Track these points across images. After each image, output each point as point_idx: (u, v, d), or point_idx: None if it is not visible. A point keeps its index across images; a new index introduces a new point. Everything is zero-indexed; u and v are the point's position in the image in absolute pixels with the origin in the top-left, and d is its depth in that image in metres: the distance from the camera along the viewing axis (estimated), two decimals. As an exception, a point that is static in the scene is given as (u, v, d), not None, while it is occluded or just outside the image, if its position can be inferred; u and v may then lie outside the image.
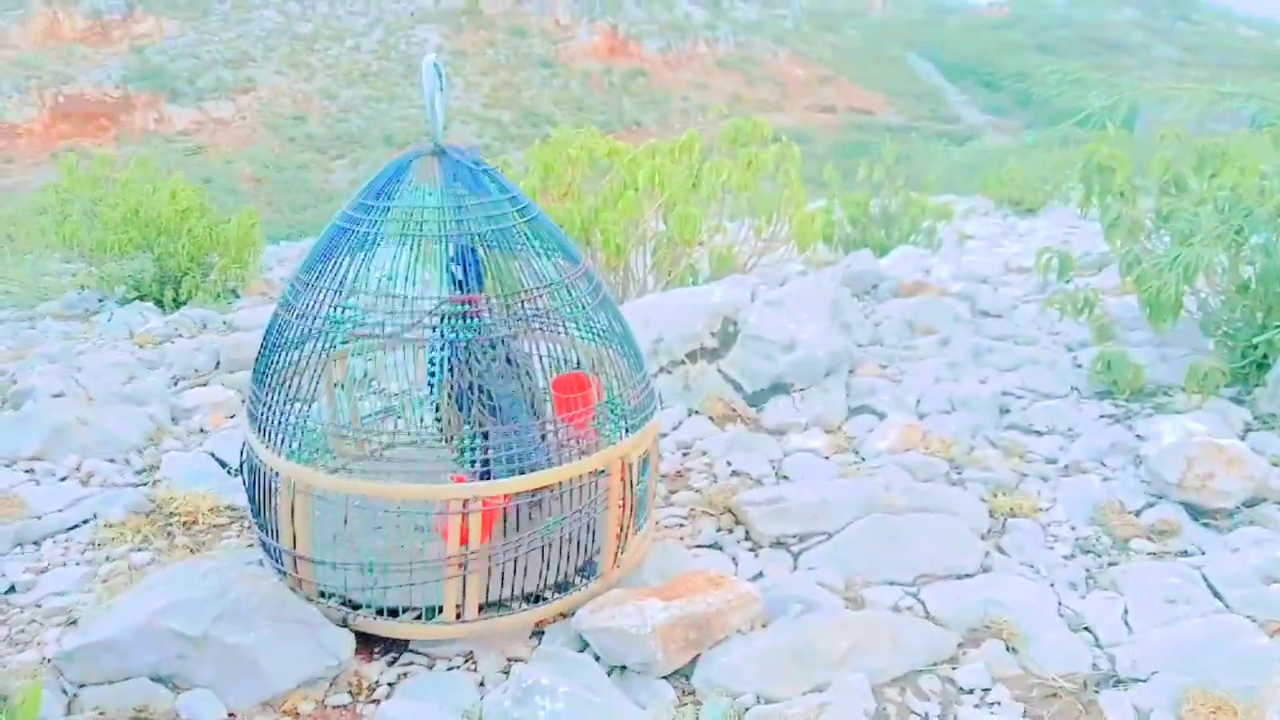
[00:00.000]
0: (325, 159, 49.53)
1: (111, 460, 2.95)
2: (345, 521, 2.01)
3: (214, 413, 3.35)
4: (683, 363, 3.17)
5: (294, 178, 46.25)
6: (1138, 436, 3.07)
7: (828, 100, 61.62)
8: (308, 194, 44.12)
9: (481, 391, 1.87)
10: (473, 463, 1.88)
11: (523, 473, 1.85)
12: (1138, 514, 2.58)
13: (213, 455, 2.87)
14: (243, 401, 3.62)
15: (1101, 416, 3.32)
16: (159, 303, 6.94)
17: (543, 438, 1.92)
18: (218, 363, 3.98)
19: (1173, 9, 69.75)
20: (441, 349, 2.02)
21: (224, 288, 7.23)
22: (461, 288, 1.89)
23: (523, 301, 1.93)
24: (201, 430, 3.27)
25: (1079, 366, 3.77)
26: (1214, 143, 3.72)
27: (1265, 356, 3.46)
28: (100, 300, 7.03)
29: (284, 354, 1.93)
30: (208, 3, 59.29)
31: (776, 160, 3.86)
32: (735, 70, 63.21)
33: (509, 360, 1.94)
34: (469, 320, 1.88)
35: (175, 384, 3.82)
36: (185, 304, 6.81)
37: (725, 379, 3.14)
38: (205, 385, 3.74)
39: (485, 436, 1.87)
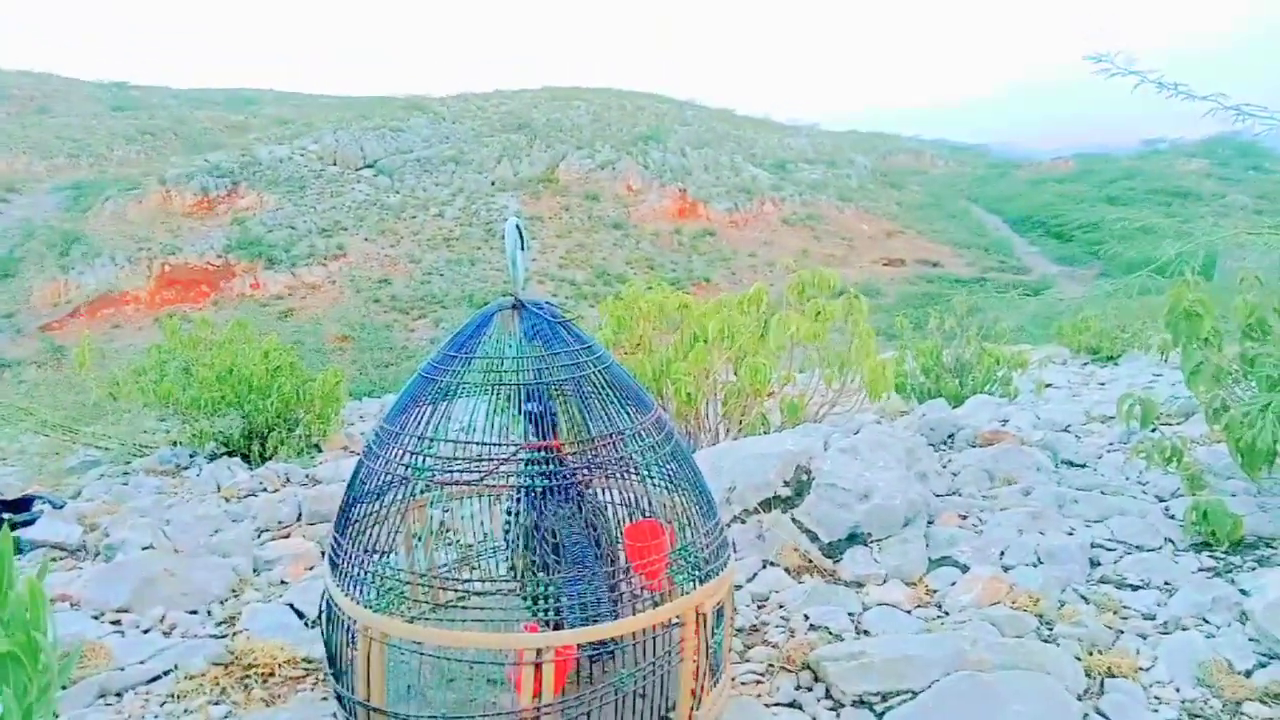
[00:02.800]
0: (408, 319, 51.66)
1: (194, 612, 3.01)
2: (419, 675, 2.00)
3: (294, 564, 3.42)
4: (756, 512, 3.14)
5: (377, 337, 48.20)
6: (1241, 591, 2.90)
7: (895, 253, 62.47)
8: (390, 352, 45.85)
9: (553, 536, 1.89)
10: (545, 612, 1.88)
11: (594, 622, 1.83)
12: (1248, 674, 2.41)
13: (291, 606, 2.91)
14: (323, 553, 3.69)
15: (1199, 570, 3.15)
16: (245, 458, 7.20)
17: (613, 588, 1.91)
18: (299, 515, 4.08)
19: (1243, 159, 69.85)
20: (517, 498, 2.05)
21: (307, 443, 7.47)
22: (538, 434, 1.94)
23: (597, 448, 1.96)
24: (282, 582, 3.32)
25: (1171, 517, 3.62)
26: (1299, 289, 3.66)
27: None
28: (191, 456, 7.32)
29: (366, 502, 1.98)
30: (305, 179, 63.82)
31: (845, 311, 3.91)
32: (801, 227, 64.86)
33: (580, 507, 1.96)
34: (543, 466, 1.92)
35: (259, 535, 3.91)
36: (270, 458, 7.04)
37: (800, 528, 3.09)
38: (288, 537, 3.82)
39: (552, 586, 1.87)
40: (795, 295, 4.30)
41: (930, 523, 3.45)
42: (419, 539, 2.21)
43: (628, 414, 2.03)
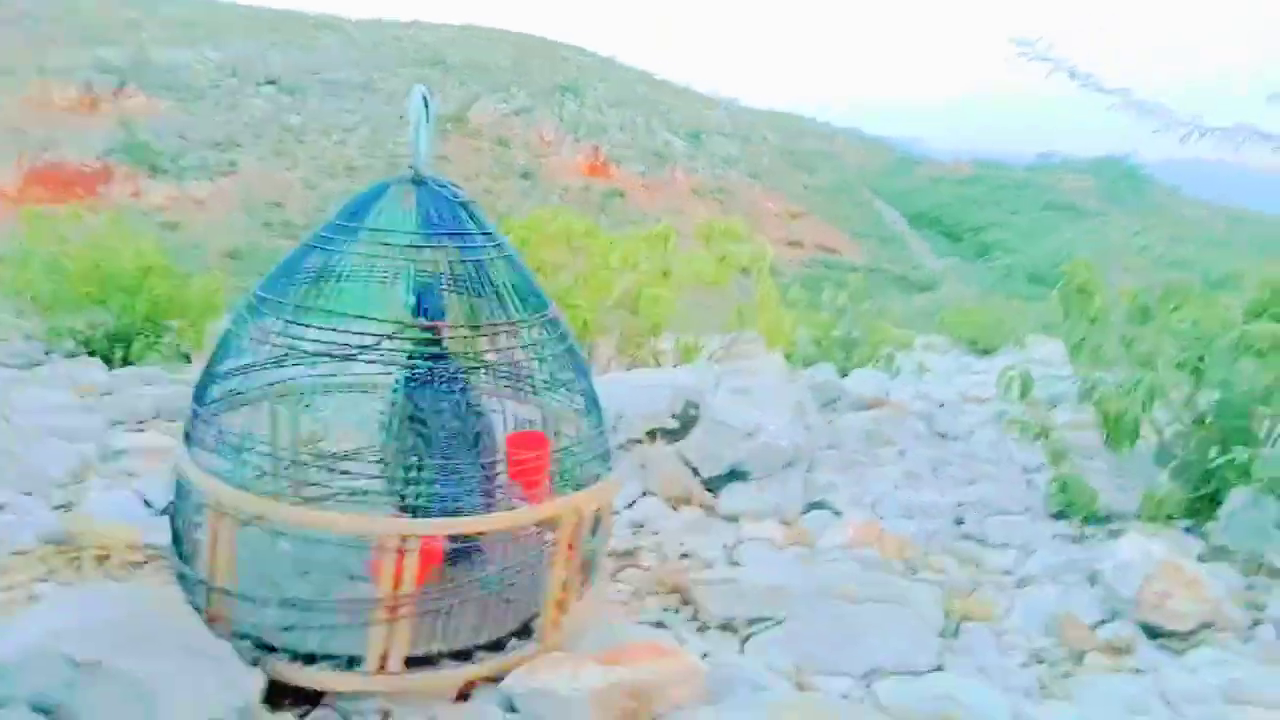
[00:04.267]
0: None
1: (29, 494, 2.78)
2: (270, 562, 1.88)
3: (148, 457, 3.19)
4: (640, 441, 3.10)
5: (264, 260, 46.23)
6: (1093, 558, 3.03)
7: (796, 235, 63.56)
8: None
9: (423, 424, 1.79)
10: (410, 500, 1.78)
11: (462, 515, 1.75)
12: (1093, 629, 2.52)
13: (140, 495, 2.72)
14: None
15: (1056, 536, 3.29)
16: (107, 360, 6.76)
17: (484, 481, 1.83)
18: (158, 413, 3.84)
19: (1127, 182, 73.60)
20: (395, 385, 1.94)
21: (177, 352, 7.06)
22: (424, 315, 1.83)
23: (485, 336, 1.87)
24: (131, 475, 3.11)
25: (1034, 488, 3.76)
26: (1181, 279, 3.83)
27: (1218, 490, 3.47)
28: (46, 353, 6.83)
29: (230, 375, 1.84)
30: (202, 86, 60.40)
31: (750, 259, 3.90)
32: (710, 199, 65.20)
33: (461, 399, 1.86)
34: (425, 348, 1.82)
35: (111, 426, 3.66)
36: (133, 364, 6.63)
37: (683, 461, 3.07)
38: (143, 431, 3.59)
39: (421, 471, 1.77)
40: (702, 239, 4.26)
41: (809, 470, 3.49)
42: (288, 426, 2.07)
43: (522, 308, 1.94)
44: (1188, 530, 3.42)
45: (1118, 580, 2.57)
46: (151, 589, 2.04)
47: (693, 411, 3.18)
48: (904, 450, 4.15)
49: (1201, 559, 3.16)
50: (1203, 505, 3.54)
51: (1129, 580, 2.54)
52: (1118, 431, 3.32)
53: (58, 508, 2.71)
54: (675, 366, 4.06)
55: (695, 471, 3.05)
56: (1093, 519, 3.53)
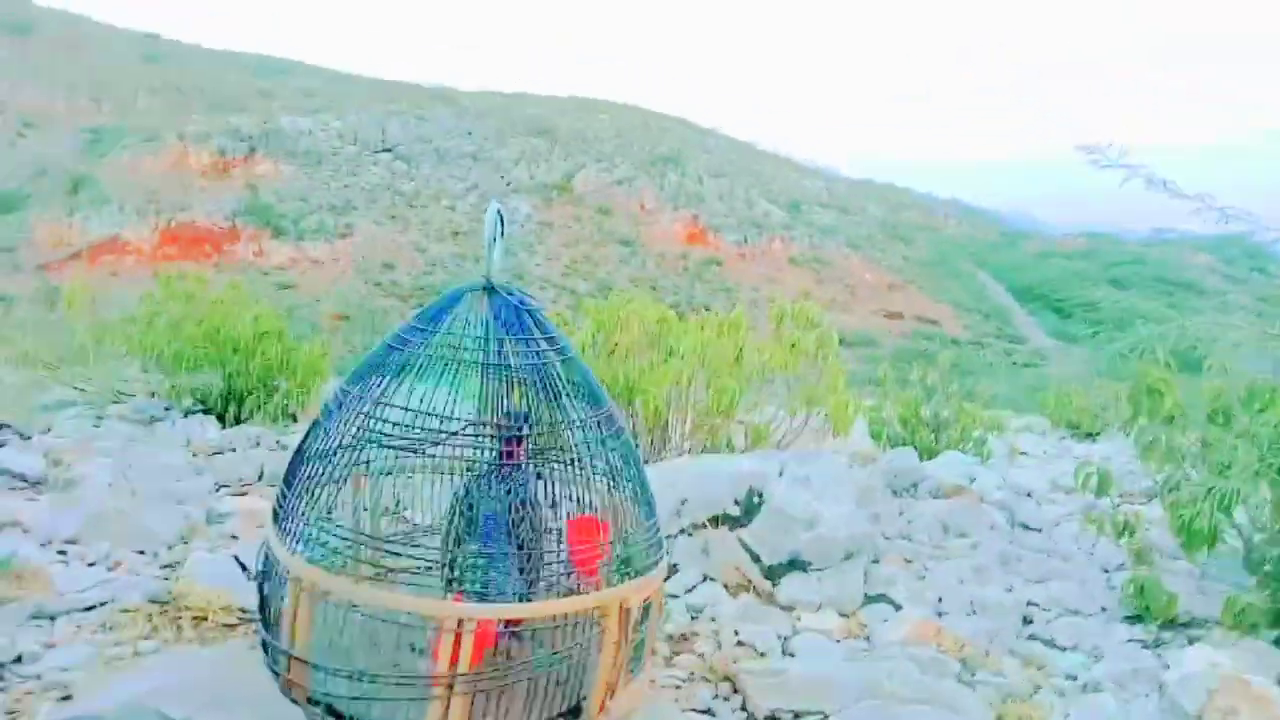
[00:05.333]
0: (406, 306, 51.63)
1: (141, 552, 3.04)
2: (345, 633, 2.05)
3: (248, 520, 3.45)
4: (704, 527, 3.19)
5: (373, 320, 48.17)
6: (1165, 665, 2.96)
7: (895, 307, 62.75)
8: (382, 335, 45.86)
9: (469, 509, 1.94)
10: (457, 582, 1.92)
11: (513, 600, 1.88)
12: (1153, 742, 2.47)
13: (237, 559, 2.94)
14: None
15: (1129, 640, 3.21)
16: (221, 418, 7.21)
17: (524, 570, 1.96)
18: (261, 475, 4.12)
19: (1249, 260, 70.42)
20: (465, 476, 2.11)
21: (284, 411, 7.48)
22: (506, 414, 2.01)
23: (544, 433, 2.02)
24: (233, 536, 3.36)
25: (1112, 588, 3.68)
26: (1266, 379, 3.74)
27: (1309, 600, 3.34)
28: (166, 409, 7.32)
29: (316, 459, 2.03)
30: (324, 154, 63.95)
31: (816, 344, 3.98)
32: (807, 268, 65.16)
33: (517, 490, 2.01)
34: (490, 444, 1.98)
35: (217, 489, 3.95)
36: (245, 421, 7.06)
37: (744, 548, 3.14)
38: (245, 495, 3.86)
39: (469, 558, 1.92)
40: (775, 323, 4.37)
41: (875, 561, 3.51)
42: (366, 507, 2.26)
43: (580, 406, 2.09)
44: (1276, 642, 3.29)
45: (1181, 693, 2.52)
46: (239, 652, 2.23)
47: (756, 499, 3.26)
48: (977, 543, 4.11)
49: (1285, 675, 3.05)
50: (1290, 615, 3.41)
51: (1193, 693, 2.49)
52: (1190, 538, 3.24)
53: (165, 567, 2.96)
54: (746, 449, 4.14)
55: (757, 559, 3.11)
56: (1170, 624, 3.43)
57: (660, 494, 3.35)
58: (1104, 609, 3.49)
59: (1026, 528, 4.89)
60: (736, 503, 3.26)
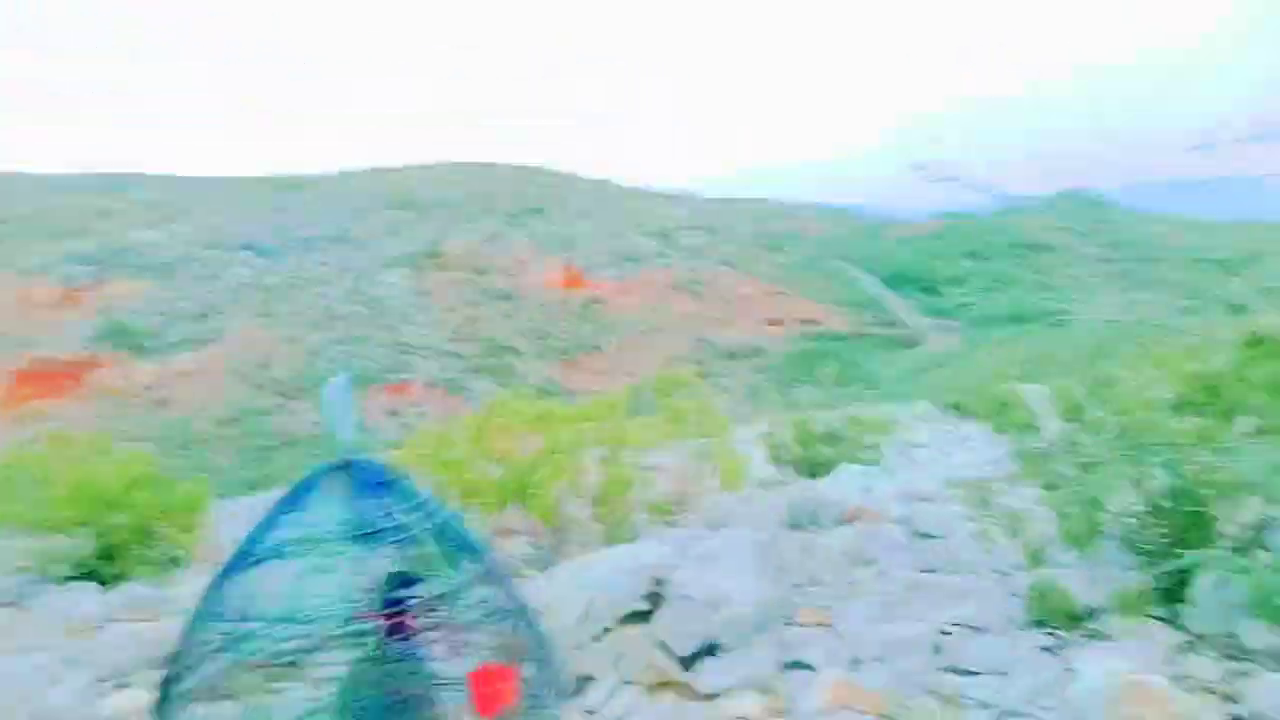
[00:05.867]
0: (289, 402, 50.01)
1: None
2: None
3: (130, 723, 3.24)
4: (612, 629, 3.16)
5: (257, 425, 46.49)
6: (1070, 670, 3.07)
7: (777, 313, 64.27)
8: (271, 438, 44.24)
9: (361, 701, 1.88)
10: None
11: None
12: (1072, 763, 2.55)
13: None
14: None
15: (1036, 648, 3.33)
16: (101, 578, 6.79)
17: None
18: (141, 661, 3.88)
19: (1090, 212, 75.05)
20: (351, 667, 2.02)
21: (168, 557, 7.11)
22: (385, 605, 1.94)
23: (426, 611, 1.97)
24: (119, 746, 3.15)
25: (1012, 594, 3.81)
26: (1105, 372, 3.98)
27: (1188, 571, 3.53)
28: (36, 581, 6.86)
29: (183, 689, 1.92)
30: (178, 263, 61.66)
31: (697, 411, 4.03)
32: (686, 292, 66.12)
33: (399, 670, 1.95)
34: (362, 638, 1.91)
35: (99, 683, 3.70)
36: (127, 579, 6.67)
37: (656, 643, 3.12)
38: (128, 687, 3.63)
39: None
40: (657, 394, 4.41)
41: (788, 621, 3.55)
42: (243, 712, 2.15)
43: (460, 561, 2.04)
44: (1164, 619, 3.46)
45: (1087, 707, 2.62)
46: None
47: (660, 589, 3.25)
48: (883, 570, 4.21)
49: (1180, 650, 3.21)
50: (1175, 589, 3.59)
51: (1096, 707, 2.59)
52: (1074, 537, 3.40)
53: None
54: (650, 522, 4.15)
55: (669, 652, 3.10)
56: (1072, 619, 3.57)
57: (566, 599, 3.32)
58: (1009, 620, 3.60)
59: (928, 536, 5.04)
60: (642, 597, 3.25)
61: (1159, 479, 3.54)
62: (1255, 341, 3.81)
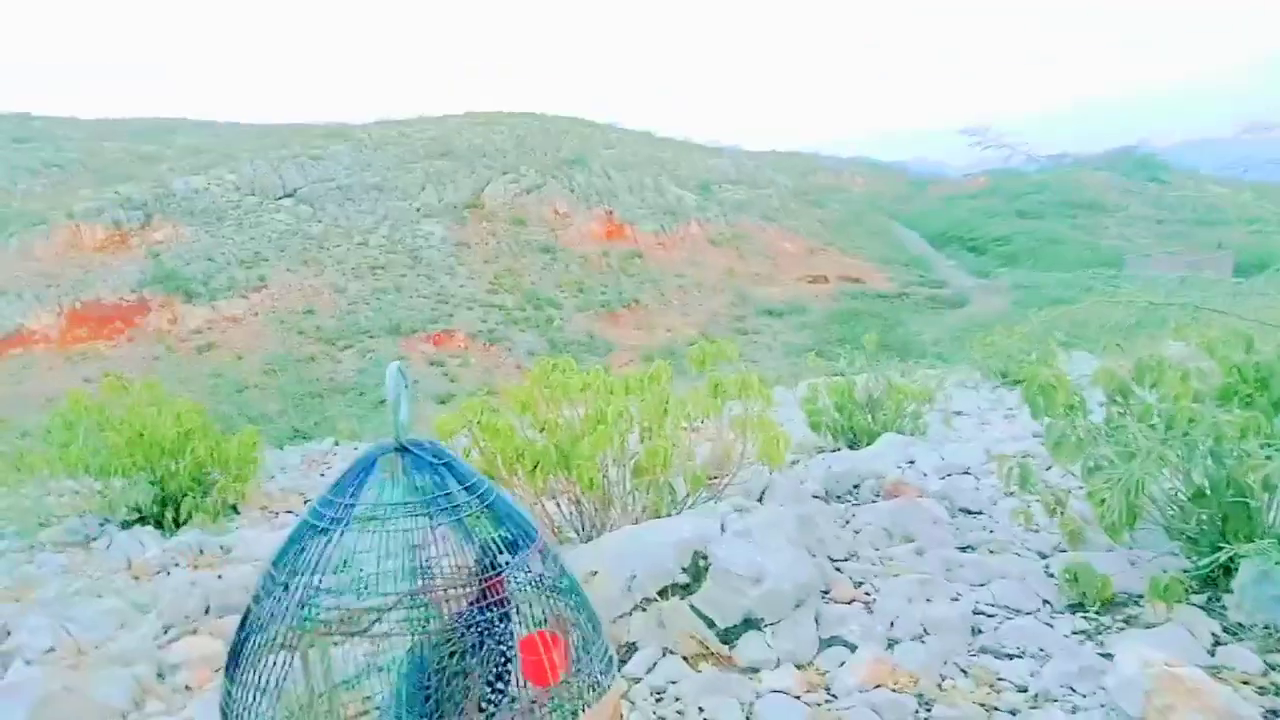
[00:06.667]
0: (334, 349, 50.77)
1: (95, 729, 3.00)
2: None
3: (200, 668, 3.41)
4: (656, 600, 3.25)
5: (303, 370, 47.28)
6: (1107, 655, 3.11)
7: (819, 270, 63.68)
8: (317, 384, 45.02)
9: (415, 683, 1.97)
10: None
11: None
12: (1104, 752, 2.60)
13: (195, 723, 2.92)
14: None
15: (1073, 633, 3.36)
16: (159, 523, 7.05)
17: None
18: (207, 608, 4.06)
19: (1144, 171, 72.96)
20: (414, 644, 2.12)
21: (224, 504, 7.36)
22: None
23: (482, 590, 2.05)
24: (186, 687, 3.32)
25: (1051, 576, 3.84)
26: (1152, 355, 3.93)
27: (1232, 560, 3.52)
28: (101, 524, 7.14)
29: (254, 649, 2.03)
30: (223, 209, 62.38)
31: (739, 386, 4.07)
32: (727, 247, 65.69)
33: (458, 650, 2.04)
34: (425, 612, 2.00)
35: (165, 632, 3.89)
36: (185, 523, 6.92)
37: (698, 614, 3.21)
38: (194, 634, 3.81)
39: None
40: (696, 364, 4.44)
41: (826, 593, 3.61)
42: (320, 691, 2.26)
43: (512, 547, 2.12)
44: (1204, 607, 3.47)
45: (1122, 697, 2.66)
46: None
47: (702, 562, 3.33)
48: (922, 547, 4.25)
49: (1218, 641, 3.23)
50: (1217, 577, 3.60)
51: (1132, 697, 2.63)
52: (1112, 523, 3.40)
53: (123, 743, 2.91)
54: (688, 499, 4.21)
55: (711, 624, 3.18)
56: (1109, 604, 3.60)
57: (610, 570, 3.41)
58: (1046, 601, 3.64)
59: (967, 512, 5.07)
60: (684, 570, 3.33)
61: (1204, 468, 3.52)
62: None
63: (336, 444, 12.22)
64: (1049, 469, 5.50)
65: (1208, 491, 3.61)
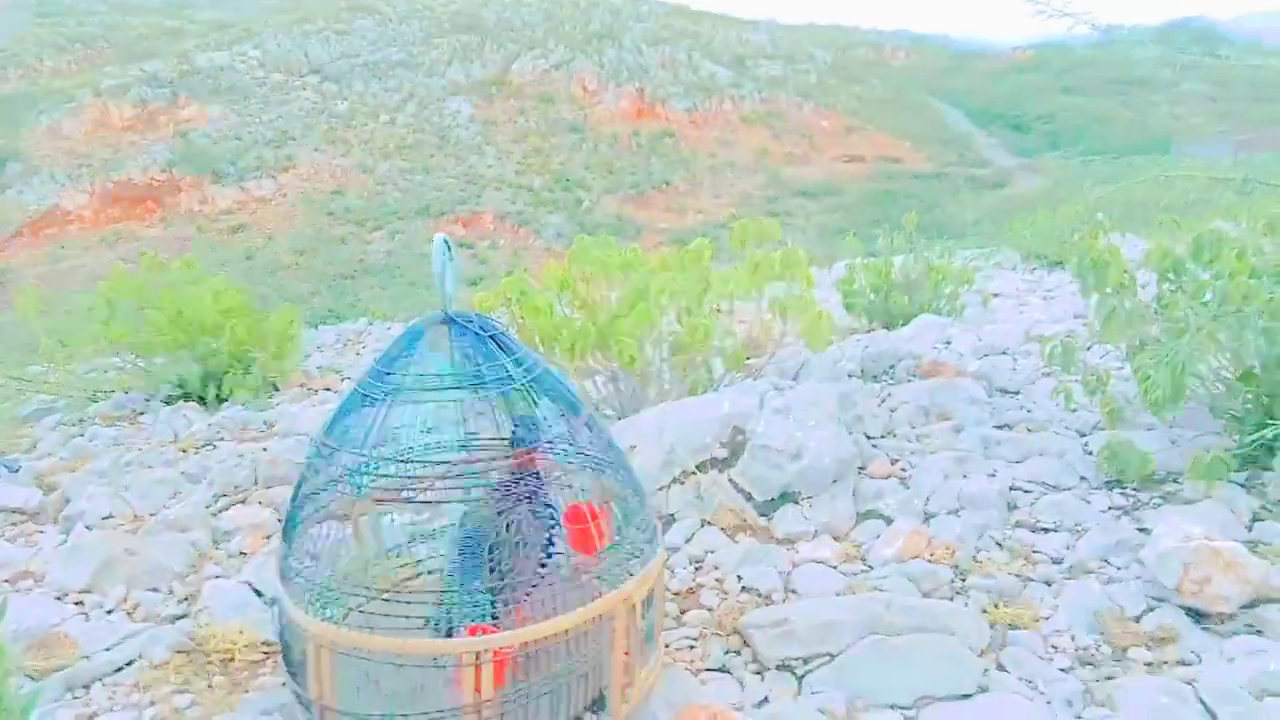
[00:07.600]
0: (363, 231, 50.81)
1: (155, 589, 3.13)
2: (368, 675, 2.14)
3: (252, 534, 3.53)
4: (694, 473, 3.29)
5: (334, 252, 47.47)
6: (1144, 530, 3.12)
7: (855, 150, 62.13)
8: (346, 266, 45.29)
9: (473, 545, 2.02)
10: (482, 613, 2.01)
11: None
12: (1138, 619, 2.64)
13: (250, 585, 3.03)
14: (279, 519, 3.80)
15: (1110, 509, 3.37)
16: (202, 399, 7.22)
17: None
18: (256, 479, 4.18)
19: (1200, 45, 69.47)
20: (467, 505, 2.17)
21: (264, 381, 7.49)
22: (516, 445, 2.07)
23: (520, 461, 2.08)
24: (241, 553, 3.45)
25: (1089, 453, 3.83)
26: (1211, 230, 3.80)
27: (1276, 438, 3.49)
28: (147, 400, 7.32)
29: (309, 513, 2.09)
30: (248, 87, 61.54)
31: (783, 263, 4.01)
32: (761, 125, 64.04)
33: (510, 516, 2.08)
34: (483, 472, 2.04)
35: (215, 501, 4.02)
36: (226, 400, 7.08)
37: (736, 489, 3.25)
38: (244, 503, 3.93)
39: (477, 596, 2.01)
40: (737, 245, 4.38)
41: (863, 469, 3.64)
42: (371, 557, 2.33)
43: (558, 420, 2.14)
44: (1244, 485, 3.46)
45: (1159, 569, 2.67)
46: (275, 704, 2.32)
47: (740, 438, 3.35)
48: (959, 426, 4.25)
49: (1257, 517, 3.23)
50: (1259, 456, 3.57)
51: (1169, 569, 2.65)
52: (1157, 402, 3.36)
53: (181, 602, 3.05)
54: (725, 379, 4.22)
55: (749, 497, 3.23)
56: (1148, 481, 3.59)
57: (648, 444, 3.45)
58: (1083, 478, 3.64)
59: (1005, 392, 5.04)
60: (722, 444, 3.35)
61: (1254, 347, 3.45)
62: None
63: (370, 323, 12.35)
64: (1089, 348, 5.43)
65: (1257, 371, 3.55)
